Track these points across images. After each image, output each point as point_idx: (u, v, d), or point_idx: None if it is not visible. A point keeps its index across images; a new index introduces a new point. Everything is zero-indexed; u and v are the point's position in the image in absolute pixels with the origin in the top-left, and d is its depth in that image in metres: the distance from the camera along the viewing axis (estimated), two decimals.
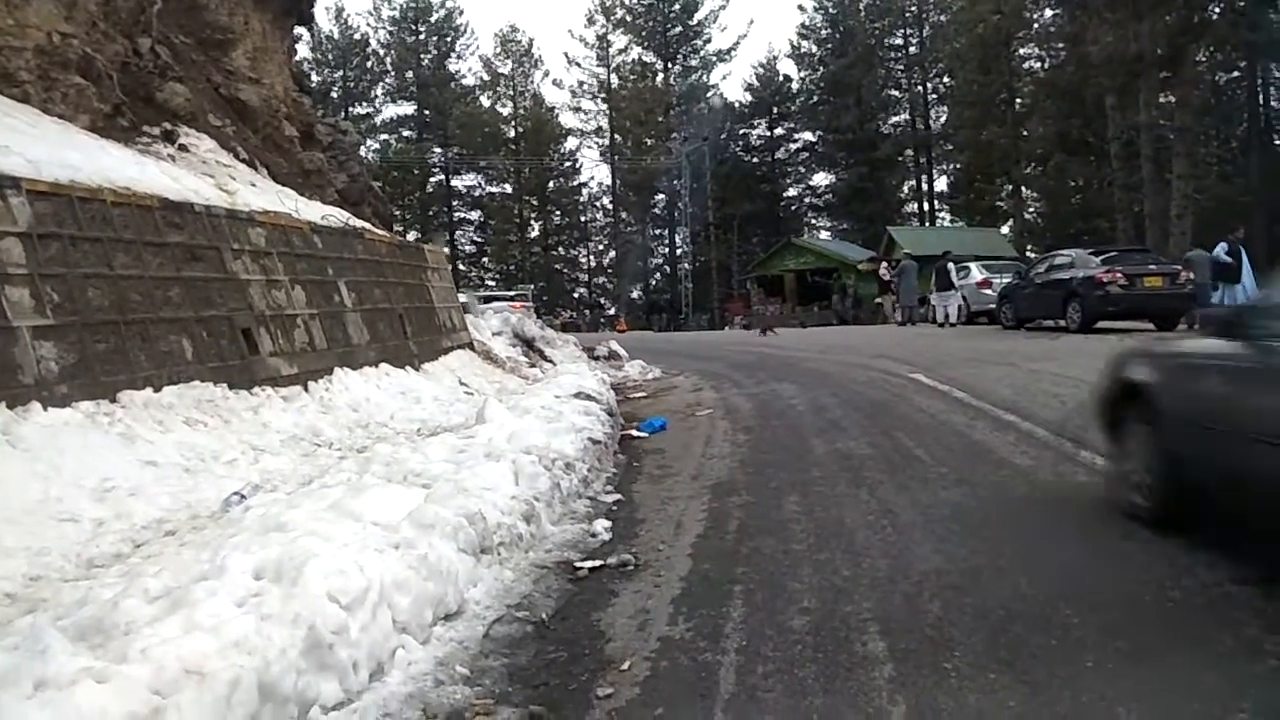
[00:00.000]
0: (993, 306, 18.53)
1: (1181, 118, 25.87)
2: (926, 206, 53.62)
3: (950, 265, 20.68)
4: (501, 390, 10.26)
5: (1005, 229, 42.50)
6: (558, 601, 3.61)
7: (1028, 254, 29.90)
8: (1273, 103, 34.92)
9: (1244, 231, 16.23)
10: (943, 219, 52.19)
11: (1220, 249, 15.29)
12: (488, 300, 28.21)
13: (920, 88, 53.54)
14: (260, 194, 9.33)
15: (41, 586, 3.54)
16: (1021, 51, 43.43)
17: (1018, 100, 43.10)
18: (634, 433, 7.77)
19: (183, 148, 9.58)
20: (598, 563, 4.04)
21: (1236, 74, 34.47)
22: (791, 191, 58.75)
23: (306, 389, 7.56)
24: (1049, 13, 38.85)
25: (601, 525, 4.64)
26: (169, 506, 4.67)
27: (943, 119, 52.37)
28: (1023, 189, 44.46)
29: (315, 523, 3.47)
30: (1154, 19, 24.32)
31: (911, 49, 53.54)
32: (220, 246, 7.29)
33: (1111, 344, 12.33)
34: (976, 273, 21.03)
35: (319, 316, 8.45)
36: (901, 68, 54.32)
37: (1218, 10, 25.62)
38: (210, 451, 5.58)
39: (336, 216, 10.51)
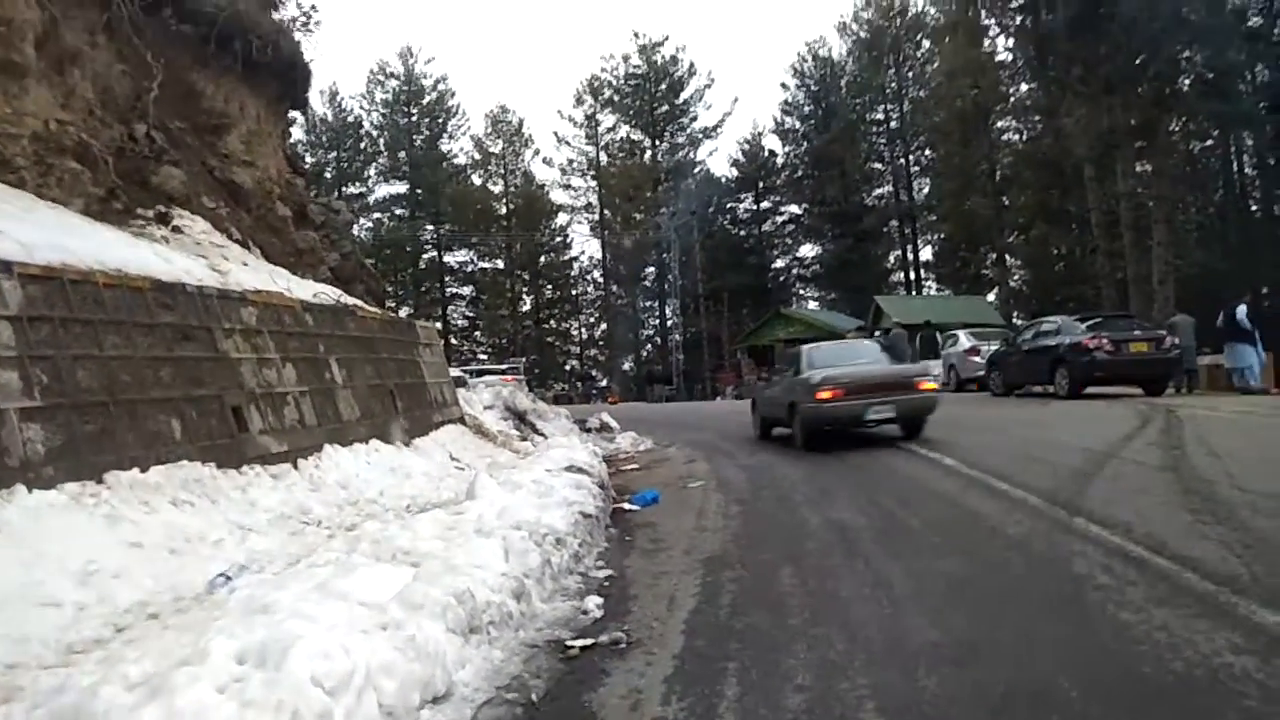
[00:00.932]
0: (981, 374, 18.64)
1: (1159, 186, 26.49)
2: (912, 275, 54.38)
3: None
4: (492, 464, 10.21)
5: (991, 296, 43.03)
6: (548, 682, 3.54)
7: (1014, 321, 30.18)
8: (1247, 170, 35.77)
9: (1250, 297, 16.22)
10: (929, 287, 52.88)
11: (1242, 311, 15.02)
12: (479, 374, 28.29)
13: (902, 160, 54.82)
14: (253, 273, 9.41)
15: (19, 674, 3.45)
16: (1000, 124, 44.68)
17: (998, 171, 44.09)
18: (626, 506, 7.71)
19: (176, 229, 9.69)
20: (589, 641, 3.97)
21: (1210, 143, 35.36)
22: (779, 263, 59.65)
23: (296, 466, 7.50)
24: (1025, 87, 40.10)
25: (593, 602, 4.58)
26: (153, 589, 4.59)
27: (925, 190, 53.57)
28: (1007, 257, 45.17)
29: (301, 604, 3.42)
30: (1125, 92, 25.11)
31: (893, 123, 54.98)
32: (211, 326, 7.32)
33: (1099, 409, 12.44)
34: (964, 340, 21.20)
35: (310, 394, 8.44)
36: (884, 141, 55.69)
37: (1188, 83, 26.46)
38: (196, 532, 5.50)
39: (328, 294, 10.58)
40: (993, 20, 42.50)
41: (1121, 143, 26.80)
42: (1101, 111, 25.96)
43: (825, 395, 9.87)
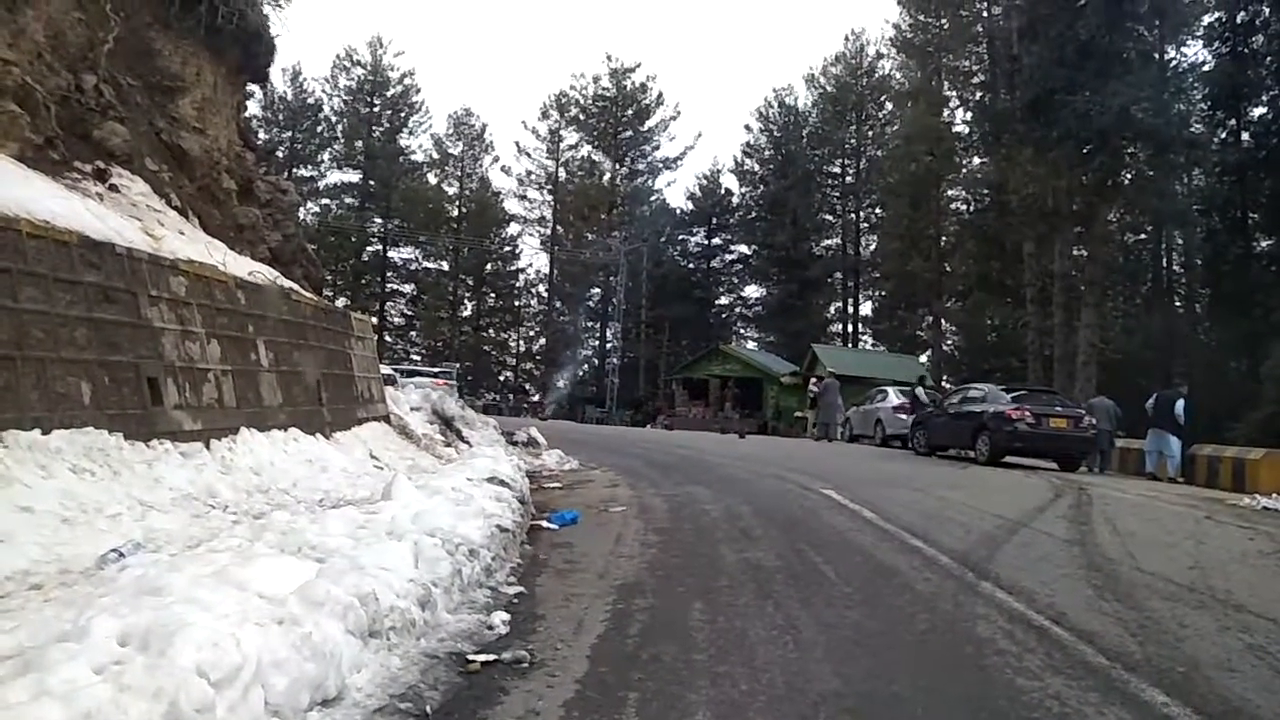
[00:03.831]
0: (906, 431, 19.02)
1: (1091, 271, 27.54)
2: (850, 328, 55.37)
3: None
4: (413, 467, 10.01)
5: (924, 358, 44.05)
6: (445, 695, 3.44)
7: (943, 384, 30.93)
8: (1175, 267, 37.41)
9: (1186, 389, 16.70)
10: (865, 342, 53.89)
11: (1180, 405, 15.31)
12: (411, 375, 27.87)
13: (853, 215, 56.01)
14: (188, 243, 9.12)
15: None
16: (950, 192, 45.98)
17: (943, 237, 45.32)
18: (545, 524, 7.62)
19: (113, 188, 9.34)
20: (491, 657, 3.89)
21: (1144, 236, 36.94)
22: (723, 300, 60.20)
23: (208, 447, 7.26)
24: (977, 160, 41.42)
25: (500, 618, 4.49)
26: (38, 558, 4.36)
27: (872, 247, 54.71)
28: (943, 321, 46.33)
29: (195, 589, 3.28)
30: (1071, 177, 26.13)
31: (848, 178, 56.18)
32: (137, 291, 7.06)
33: (1016, 478, 12.78)
34: (894, 397, 21.64)
35: (232, 373, 8.19)
36: (837, 195, 56.83)
37: (1129, 176, 27.65)
38: (94, 503, 5.26)
39: (264, 274, 10.31)
40: (954, 92, 44.17)
41: (1062, 225, 27.84)
42: (1047, 192, 26.97)
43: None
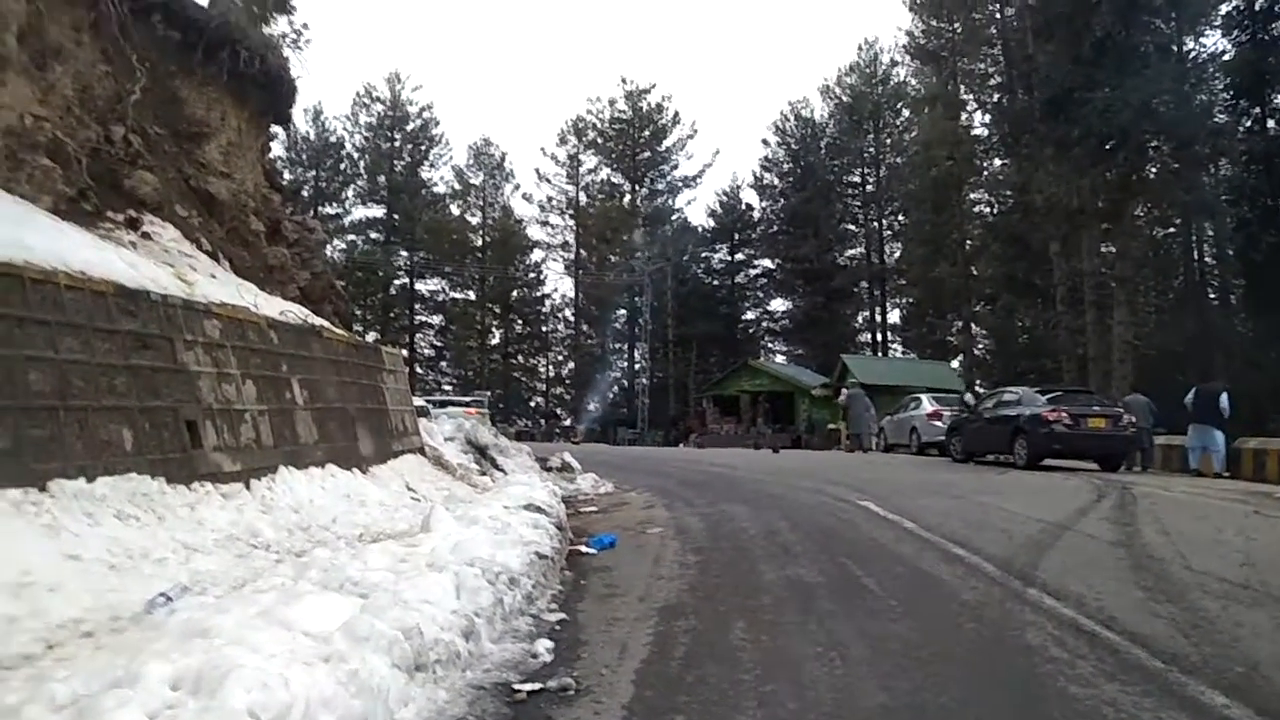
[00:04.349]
0: (942, 438, 18.82)
1: (1121, 268, 27.17)
2: (879, 337, 55.03)
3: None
4: (450, 498, 10.06)
5: (955, 363, 43.65)
6: None
7: (976, 388, 30.62)
8: (1207, 259, 36.82)
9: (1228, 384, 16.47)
10: (895, 350, 53.52)
11: (1224, 399, 15.12)
12: (443, 405, 28.03)
13: (876, 224, 55.78)
14: (220, 286, 9.28)
15: None
16: (972, 196, 45.68)
17: (968, 241, 44.98)
18: (583, 549, 7.62)
19: (146, 235, 9.54)
20: (537, 685, 3.89)
21: (1173, 230, 36.40)
22: (749, 315, 60.05)
23: (248, 487, 7.34)
24: (998, 162, 41.14)
25: (544, 645, 4.49)
26: (89, 605, 4.42)
27: (896, 254, 54.42)
28: (972, 325, 45.92)
29: (243, 630, 3.31)
30: (1094, 175, 25.85)
31: (869, 187, 56.01)
32: (173, 336, 7.18)
33: (1056, 481, 12.59)
34: (927, 404, 21.44)
35: (268, 413, 8.29)
36: (859, 204, 56.67)
37: (1154, 170, 27.30)
38: (140, 548, 5.34)
39: (295, 313, 10.46)
40: (971, 96, 43.92)
41: (1088, 223, 27.52)
42: (1071, 191, 26.68)
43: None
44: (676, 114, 58.43)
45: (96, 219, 9.10)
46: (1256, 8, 25.22)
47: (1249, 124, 26.48)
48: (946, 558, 6.71)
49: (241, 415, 7.83)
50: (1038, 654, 4.29)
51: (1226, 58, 26.69)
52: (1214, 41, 28.29)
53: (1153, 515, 8.73)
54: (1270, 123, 25.95)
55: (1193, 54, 27.82)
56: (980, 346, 46.44)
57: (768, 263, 58.52)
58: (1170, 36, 27.03)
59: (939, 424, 19.76)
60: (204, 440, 7.10)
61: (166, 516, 5.98)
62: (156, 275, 7.75)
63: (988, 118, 40.97)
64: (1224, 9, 26.75)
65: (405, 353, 35.90)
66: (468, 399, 34.73)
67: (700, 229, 59.12)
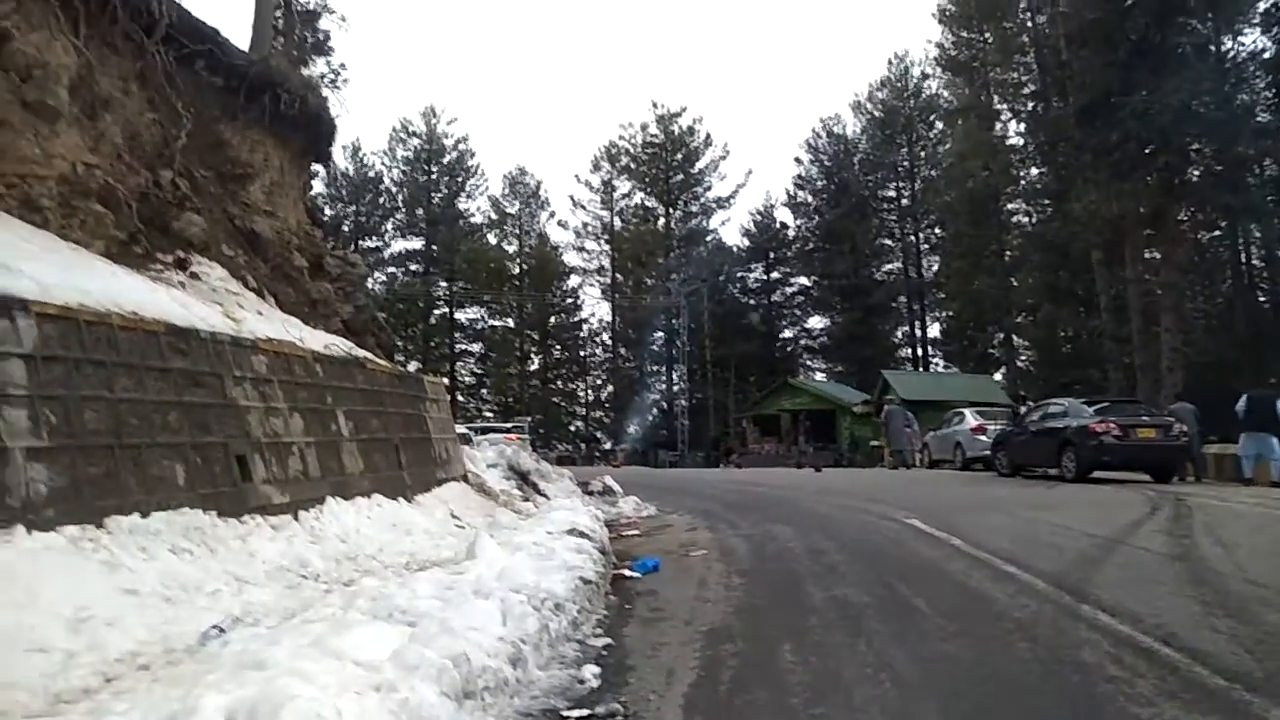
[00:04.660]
0: (987, 453, 18.54)
1: (1167, 274, 26.65)
2: (920, 352, 54.52)
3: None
4: (494, 524, 10.11)
5: (998, 376, 43.02)
6: None
7: (1024, 400, 30.12)
8: (1255, 261, 35.97)
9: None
10: (936, 364, 52.93)
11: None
12: (484, 431, 28.27)
13: (913, 238, 55.41)
14: (266, 322, 9.47)
15: None
16: (1010, 206, 45.23)
17: (1007, 252, 44.49)
18: (626, 572, 7.61)
19: (194, 275, 9.79)
20: (585, 712, 3.89)
21: (1219, 233, 35.64)
22: (788, 333, 59.84)
23: (297, 518, 7.45)
24: (1035, 171, 40.70)
25: (590, 671, 4.49)
26: (145, 639, 4.52)
27: (935, 268, 53.96)
28: (1014, 337, 45.28)
29: (295, 661, 3.36)
30: (1135, 180, 25.43)
31: (904, 201, 55.70)
32: (222, 373, 7.35)
33: (1107, 494, 12.32)
34: (971, 419, 21.14)
35: (315, 445, 8.42)
36: (894, 218, 56.35)
37: (1197, 174, 26.80)
38: (193, 581, 5.44)
39: (339, 346, 10.63)
40: (1005, 105, 43.62)
41: (1130, 230, 27.05)
42: (1111, 198, 26.27)
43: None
44: (708, 136, 58.84)
45: (147, 261, 9.36)
46: None
47: None
48: (997, 575, 6.59)
49: (289, 448, 7.96)
50: (1095, 673, 4.19)
51: (1267, 55, 26.22)
52: (1254, 40, 27.82)
53: (1209, 527, 8.50)
54: None
55: (1231, 53, 27.40)
56: (1023, 358, 45.74)
57: (804, 280, 58.38)
58: (1208, 36, 26.61)
59: (983, 438, 19.48)
60: (253, 473, 7.23)
61: (218, 549, 6.09)
62: (205, 314, 7.94)
63: (1023, 126, 40.70)
64: (1262, 6, 26.31)
65: (446, 381, 36.25)
66: (509, 425, 34.98)
67: (735, 249, 59.27)
